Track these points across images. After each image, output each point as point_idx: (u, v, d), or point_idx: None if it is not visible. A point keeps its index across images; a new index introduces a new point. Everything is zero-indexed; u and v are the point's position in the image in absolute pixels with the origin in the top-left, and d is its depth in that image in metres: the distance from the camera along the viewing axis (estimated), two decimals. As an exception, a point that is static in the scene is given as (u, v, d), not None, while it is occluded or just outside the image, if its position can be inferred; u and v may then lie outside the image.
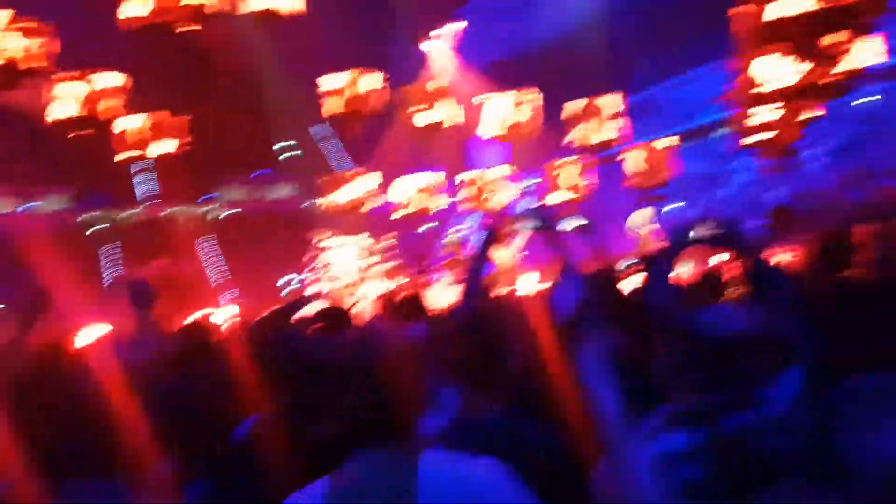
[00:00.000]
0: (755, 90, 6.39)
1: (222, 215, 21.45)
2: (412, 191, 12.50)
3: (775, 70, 6.07)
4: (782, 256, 5.71)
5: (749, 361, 1.64)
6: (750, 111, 7.01)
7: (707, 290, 3.54)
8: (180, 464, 2.05)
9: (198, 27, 9.20)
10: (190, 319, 6.37)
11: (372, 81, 10.72)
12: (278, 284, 15.40)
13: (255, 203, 22.04)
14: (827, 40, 5.05)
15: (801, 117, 7.43)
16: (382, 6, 14.53)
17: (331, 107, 10.81)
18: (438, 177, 12.59)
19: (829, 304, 2.60)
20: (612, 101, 11.63)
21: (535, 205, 11.32)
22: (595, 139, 11.95)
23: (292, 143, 21.45)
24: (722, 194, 18.56)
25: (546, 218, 2.56)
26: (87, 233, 20.19)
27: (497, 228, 2.61)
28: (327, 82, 10.68)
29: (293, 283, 14.82)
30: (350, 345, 1.63)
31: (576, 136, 12.01)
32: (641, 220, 11.24)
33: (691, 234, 2.27)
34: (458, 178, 12.67)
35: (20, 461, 1.96)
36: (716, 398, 1.62)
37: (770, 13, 4.83)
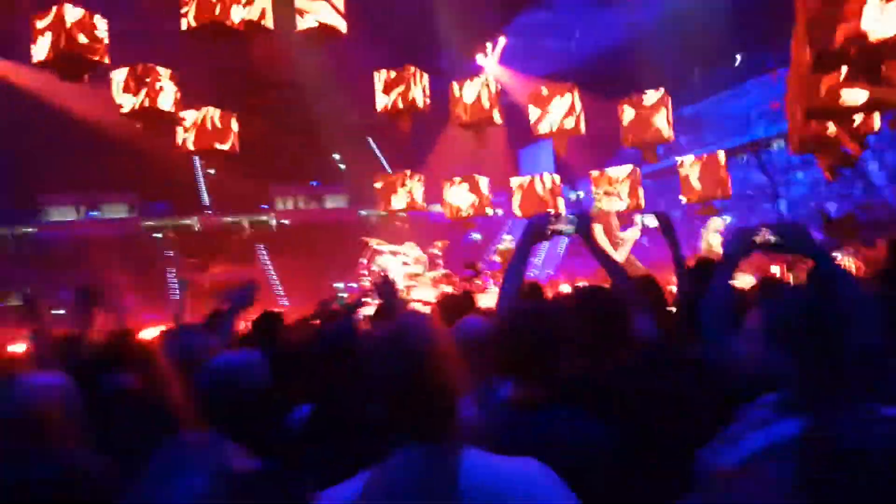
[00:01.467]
0: (814, 102, 6.22)
1: (277, 224, 21.98)
2: (463, 196, 12.45)
3: (835, 81, 5.92)
4: (846, 264, 5.58)
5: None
6: (809, 123, 6.81)
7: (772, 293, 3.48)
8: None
9: (252, 42, 9.53)
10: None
11: (422, 89, 10.81)
12: (334, 287, 15.64)
13: (308, 212, 22.52)
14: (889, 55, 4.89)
15: (863, 129, 7.23)
16: (431, 22, 14.72)
17: (382, 114, 10.96)
18: (486, 182, 12.52)
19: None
20: (664, 114, 11.49)
21: (583, 211, 11.19)
22: (647, 151, 11.82)
23: (343, 154, 21.88)
24: (781, 206, 18.14)
25: (588, 224, 2.61)
26: (155, 238, 21.03)
27: (539, 231, 2.61)
28: (379, 89, 10.78)
29: (345, 289, 15.03)
30: (395, 337, 1.62)
31: (629, 144, 11.85)
32: (712, 229, 10.97)
33: (756, 239, 2.22)
34: (511, 184, 12.53)
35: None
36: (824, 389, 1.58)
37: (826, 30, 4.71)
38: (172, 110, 9.65)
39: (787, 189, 18.52)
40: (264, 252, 21.52)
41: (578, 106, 11.48)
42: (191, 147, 10.91)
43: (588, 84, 11.90)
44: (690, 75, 21.47)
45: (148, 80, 9.29)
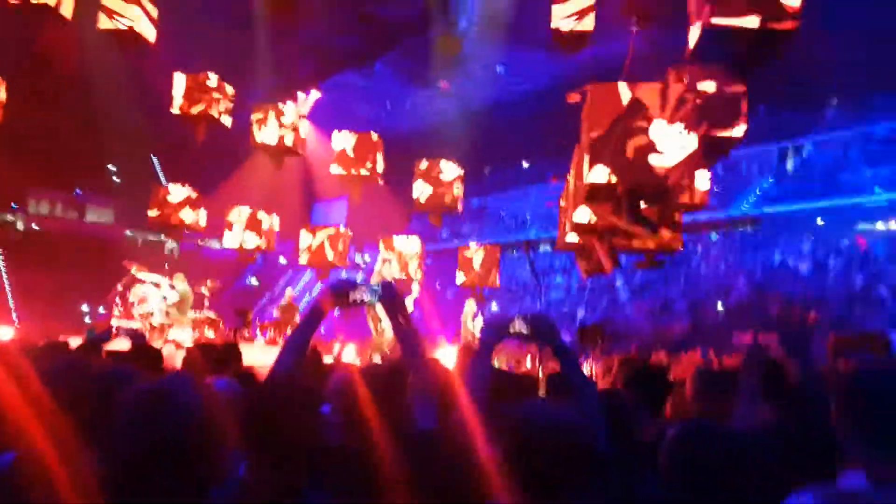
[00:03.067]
0: (578, 221, 6.96)
1: (25, 229, 19.40)
2: (245, 235, 11.79)
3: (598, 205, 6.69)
4: (589, 368, 6.18)
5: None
6: (569, 234, 7.58)
7: (517, 385, 3.70)
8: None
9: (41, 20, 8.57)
10: None
11: (227, 104, 10.32)
12: (80, 311, 14.00)
13: (66, 222, 20.19)
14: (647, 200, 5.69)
15: (613, 252, 8.18)
16: (248, 52, 14.36)
17: (175, 120, 10.22)
18: (277, 221, 12.00)
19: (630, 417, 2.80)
20: (459, 187, 11.97)
21: (381, 278, 11.25)
22: (435, 216, 12.12)
23: (118, 168, 20.08)
24: (537, 305, 19.77)
25: (393, 294, 2.54)
26: None
27: (339, 296, 2.52)
28: (179, 92, 10.05)
29: (94, 313, 13.55)
30: (152, 390, 1.48)
31: (420, 206, 12.04)
32: (469, 312, 11.68)
33: (511, 328, 2.37)
34: (302, 233, 12.12)
35: None
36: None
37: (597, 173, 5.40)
38: None
39: (547, 290, 20.28)
40: (2, 257, 18.82)
41: (380, 162, 11.61)
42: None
43: (389, 154, 12.19)
44: (481, 171, 23.18)
45: None
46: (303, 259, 12.05)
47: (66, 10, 7.98)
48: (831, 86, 16.95)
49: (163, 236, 12.90)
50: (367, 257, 20.19)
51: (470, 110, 16.49)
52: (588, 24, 8.09)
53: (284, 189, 12.88)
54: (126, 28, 8.47)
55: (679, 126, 5.33)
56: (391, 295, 2.54)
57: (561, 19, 8.09)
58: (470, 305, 12.02)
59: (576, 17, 8.10)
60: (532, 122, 17.85)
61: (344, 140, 11.50)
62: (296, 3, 11.25)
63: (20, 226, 19.40)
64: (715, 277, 18.40)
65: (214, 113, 10.12)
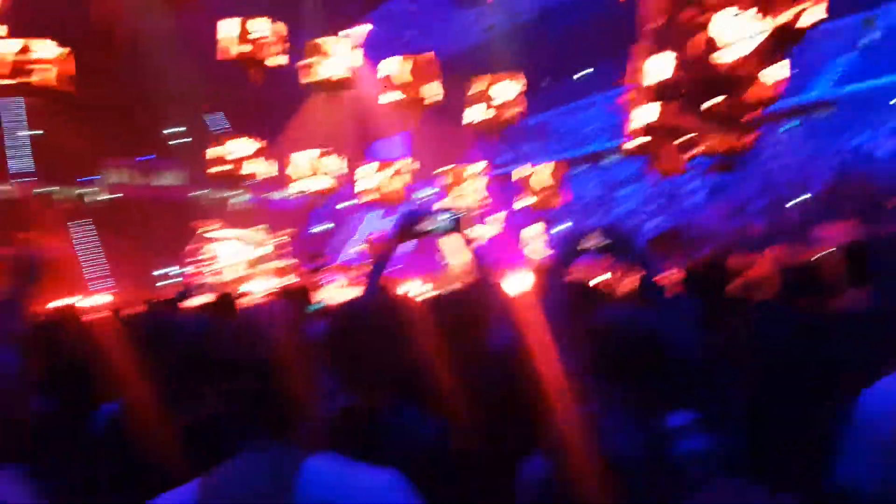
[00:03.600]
0: (647, 122, 6.68)
1: (102, 198, 20.23)
2: (311, 179, 11.84)
3: (667, 103, 6.38)
4: (664, 277, 5.99)
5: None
6: (639, 142, 7.31)
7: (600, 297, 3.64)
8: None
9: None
10: (57, 304, 5.97)
11: (280, 44, 10.20)
12: (156, 274, 14.63)
13: (138, 189, 20.92)
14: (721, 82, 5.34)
15: (687, 153, 7.87)
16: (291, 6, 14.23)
17: (231, 64, 10.22)
18: (339, 163, 11.96)
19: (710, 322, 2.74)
20: (518, 93, 11.57)
21: (447, 207, 11.11)
22: (494, 132, 11.83)
23: (182, 129, 20.52)
24: (608, 219, 19.42)
25: (460, 222, 2.54)
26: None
27: (411, 229, 2.52)
28: (231, 38, 9.98)
29: (174, 274, 14.16)
30: (237, 333, 1.49)
31: (476, 125, 11.75)
32: (534, 235, 11.53)
33: (584, 243, 2.30)
34: (358, 169, 12.11)
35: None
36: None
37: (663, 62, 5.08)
38: None
39: (617, 202, 19.86)
40: (84, 228, 19.75)
41: (438, 87, 11.25)
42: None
43: (444, 80, 11.89)
44: (538, 86, 22.48)
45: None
46: (368, 196, 12.10)
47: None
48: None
49: (232, 192, 13.20)
50: (432, 189, 20.17)
51: (520, 23, 15.92)
52: None
53: (344, 131, 12.86)
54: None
55: (751, 12, 4.95)
56: (460, 224, 2.55)
57: None
58: (539, 226, 11.84)
59: None
60: (586, 27, 17.06)
61: (397, 65, 11.17)
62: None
63: (99, 196, 20.24)
64: (793, 169, 17.54)
65: (267, 55, 10.03)
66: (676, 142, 6.93)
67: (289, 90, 12.20)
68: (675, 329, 1.97)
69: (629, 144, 7.75)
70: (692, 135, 6.63)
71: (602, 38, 15.21)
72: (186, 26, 12.89)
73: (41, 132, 17.93)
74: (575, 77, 23.92)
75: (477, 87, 11.14)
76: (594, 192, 20.98)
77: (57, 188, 19.70)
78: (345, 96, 11.51)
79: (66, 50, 9.43)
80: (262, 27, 10.01)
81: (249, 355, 1.43)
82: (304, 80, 10.73)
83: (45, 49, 9.16)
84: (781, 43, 5.25)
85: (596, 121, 23.47)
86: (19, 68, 8.96)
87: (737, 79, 4.98)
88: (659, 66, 5.14)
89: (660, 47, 5.20)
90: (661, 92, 5.33)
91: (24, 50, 9.01)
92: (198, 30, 12.79)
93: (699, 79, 5.11)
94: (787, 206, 16.34)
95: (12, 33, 8.84)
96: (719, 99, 5.31)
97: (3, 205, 18.88)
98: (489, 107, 11.06)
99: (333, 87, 10.80)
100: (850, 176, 15.69)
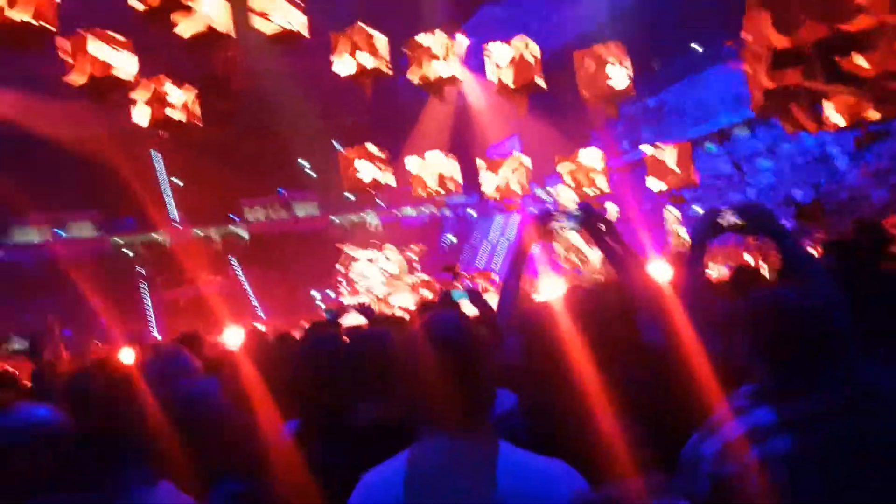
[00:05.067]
0: (771, 88, 6.31)
1: (249, 235, 21.75)
2: (432, 180, 11.74)
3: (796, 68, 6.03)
4: (813, 250, 5.70)
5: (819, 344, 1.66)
6: (761, 105, 6.91)
7: (746, 279, 3.53)
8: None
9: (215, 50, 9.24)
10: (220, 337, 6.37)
11: (384, 56, 10.30)
12: (311, 298, 15.49)
13: (280, 222, 22.35)
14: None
15: (819, 115, 7.38)
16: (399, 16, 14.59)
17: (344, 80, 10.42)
18: (454, 166, 11.81)
19: (864, 291, 2.60)
20: (625, 67, 11.08)
21: (586, 204, 10.78)
22: (608, 106, 11.36)
23: (310, 159, 21.66)
24: (749, 195, 18.43)
25: (593, 218, 2.50)
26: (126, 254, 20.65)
27: (543, 227, 2.50)
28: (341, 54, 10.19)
29: (324, 298, 14.95)
30: (404, 341, 1.64)
31: (587, 98, 11.29)
32: (673, 218, 11.11)
33: (721, 221, 2.21)
34: (480, 173, 11.87)
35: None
36: (792, 378, 1.64)
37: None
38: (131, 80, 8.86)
39: (753, 177, 18.82)
40: (237, 265, 21.29)
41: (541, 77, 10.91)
42: (145, 122, 9.62)
43: (551, 76, 11.73)
44: (649, 67, 21.74)
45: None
46: (489, 195, 11.78)
47: (221, 27, 8.55)
48: None
49: (363, 213, 13.77)
50: (553, 189, 20.03)
51: (623, 7, 15.53)
52: None
53: (456, 143, 13.10)
54: (280, 29, 8.94)
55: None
56: (592, 216, 2.52)
57: None
58: (672, 212, 11.37)
59: None
60: (686, 3, 16.36)
61: (502, 52, 10.84)
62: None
63: (244, 234, 21.76)
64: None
65: (375, 66, 10.01)
66: (805, 105, 6.55)
67: (403, 104, 12.46)
68: (827, 304, 1.93)
69: (756, 106, 7.35)
70: (822, 96, 6.24)
71: (710, 8, 14.58)
72: (301, 62, 13.58)
73: (185, 181, 19.57)
74: (692, 49, 22.92)
75: (585, 69, 10.69)
76: (726, 169, 19.99)
77: (210, 229, 21.32)
78: (455, 104, 11.51)
79: (195, 93, 10.02)
80: (364, 39, 10.12)
81: (453, 349, 1.55)
82: (410, 78, 10.70)
83: (173, 93, 9.78)
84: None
85: (717, 93, 22.37)
86: (154, 109, 9.60)
87: (864, 35, 4.63)
88: (777, 28, 4.87)
89: (774, 10, 4.92)
90: (781, 58, 5.03)
91: (157, 94, 9.66)
92: (311, 65, 13.48)
93: (823, 38, 4.79)
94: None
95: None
96: (849, 58, 4.95)
97: (165, 248, 20.76)
98: (600, 90, 10.60)
99: (440, 86, 10.73)
100: None
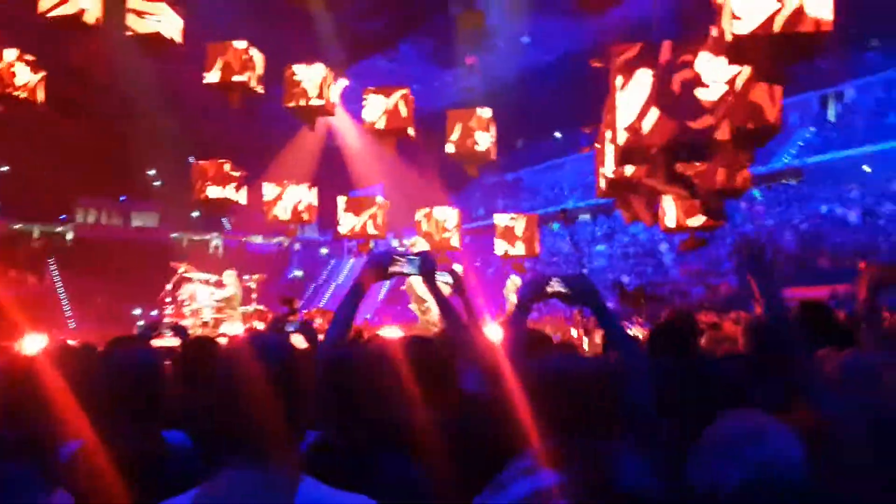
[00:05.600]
0: (616, 180, 6.80)
1: (75, 237, 20.02)
2: (284, 208, 11.55)
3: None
4: (635, 332, 6.14)
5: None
6: (605, 190, 7.43)
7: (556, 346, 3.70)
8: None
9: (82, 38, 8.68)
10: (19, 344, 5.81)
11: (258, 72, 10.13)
12: (132, 314, 14.41)
13: (113, 229, 20.79)
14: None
15: (651, 206, 8.00)
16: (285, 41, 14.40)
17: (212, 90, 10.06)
18: (312, 196, 11.69)
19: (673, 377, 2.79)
20: (491, 133, 11.60)
21: (420, 251, 10.88)
22: (469, 166, 11.75)
23: (158, 172, 20.48)
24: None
25: (432, 266, 2.51)
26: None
27: (380, 269, 2.51)
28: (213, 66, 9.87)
29: (147, 315, 13.96)
30: (223, 366, 1.55)
31: (454, 156, 11.61)
32: (512, 286, 11.57)
33: (549, 288, 2.30)
34: (339, 210, 11.84)
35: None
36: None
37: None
38: None
39: (588, 259, 20.13)
40: (55, 267, 19.45)
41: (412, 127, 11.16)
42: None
43: (421, 136, 12.04)
44: (514, 145, 23.00)
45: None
46: (344, 234, 11.65)
47: (90, 18, 8.12)
48: (870, 28, 16.34)
49: (208, 235, 13.16)
50: (407, 241, 20.29)
51: (498, 85, 16.36)
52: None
53: (320, 179, 12.95)
54: (153, 32, 8.58)
55: (723, 75, 5.09)
56: (431, 266, 2.52)
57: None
58: (513, 280, 11.93)
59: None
60: (562, 90, 17.64)
61: (375, 98, 10.98)
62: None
63: (70, 235, 20.02)
64: (761, 234, 18.04)
65: (245, 80, 9.75)
66: (644, 199, 7.10)
67: (271, 131, 12.21)
68: (633, 381, 2.06)
69: (599, 189, 7.86)
70: (660, 194, 6.79)
71: (578, 102, 15.68)
72: (166, 69, 13.00)
73: (11, 167, 17.80)
74: (553, 136, 24.52)
75: (455, 128, 11.11)
76: (565, 248, 21.31)
77: (33, 226, 19.45)
78: (324, 142, 11.50)
79: (43, 73, 9.32)
80: (241, 54, 9.86)
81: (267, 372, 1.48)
82: (285, 105, 10.55)
83: (21, 70, 9.00)
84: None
85: (569, 179, 24.00)
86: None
87: (704, 144, 5.13)
88: (625, 125, 5.27)
89: (628, 110, 5.33)
90: (628, 153, 5.45)
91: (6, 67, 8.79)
92: (180, 73, 12.92)
93: (669, 142, 5.24)
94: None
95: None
96: (689, 164, 5.44)
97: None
98: (465, 149, 10.99)
99: (311, 116, 10.65)
100: (820, 240, 16.17)
